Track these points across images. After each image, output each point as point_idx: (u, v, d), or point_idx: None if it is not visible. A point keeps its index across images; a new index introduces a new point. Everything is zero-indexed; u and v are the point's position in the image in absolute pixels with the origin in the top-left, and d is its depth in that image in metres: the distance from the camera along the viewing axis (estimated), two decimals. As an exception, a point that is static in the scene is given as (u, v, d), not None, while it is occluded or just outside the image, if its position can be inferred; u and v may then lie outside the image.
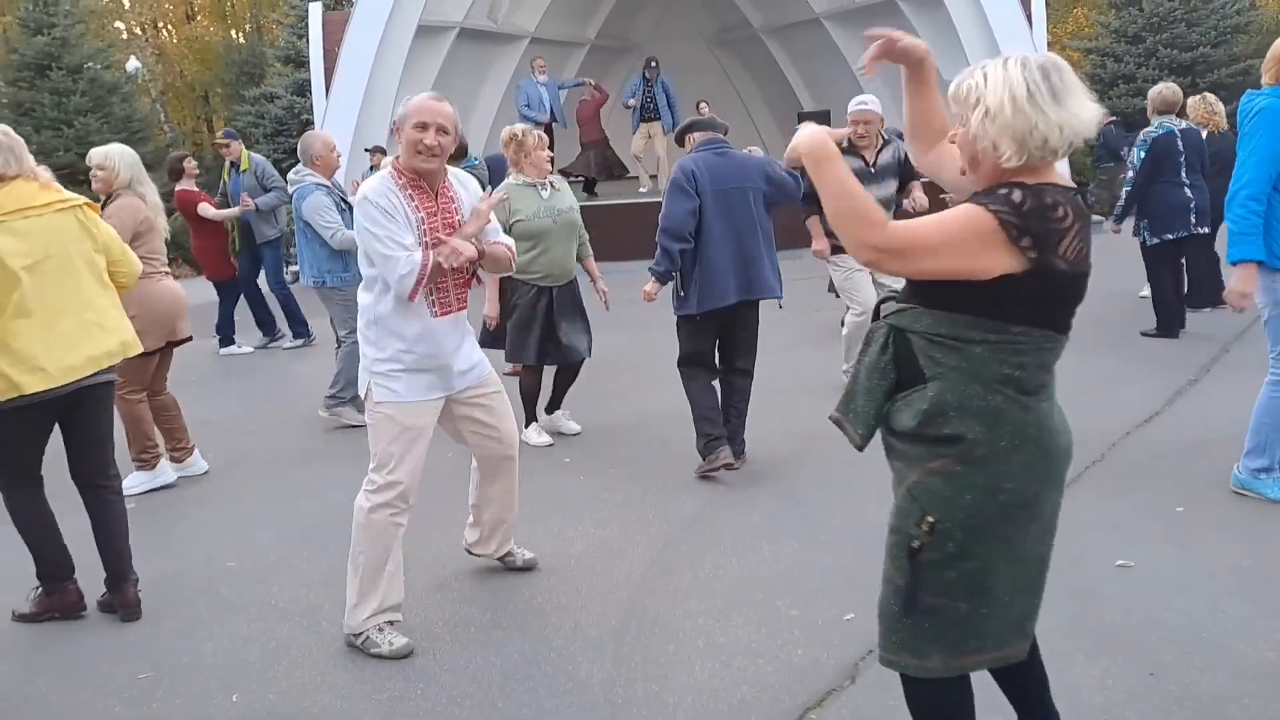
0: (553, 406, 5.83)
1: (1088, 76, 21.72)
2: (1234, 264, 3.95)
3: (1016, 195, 1.90)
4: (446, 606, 3.66)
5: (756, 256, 4.77)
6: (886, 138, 5.95)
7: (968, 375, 1.97)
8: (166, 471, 5.19)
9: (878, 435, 2.12)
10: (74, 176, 20.12)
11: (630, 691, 3.00)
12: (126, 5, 31.44)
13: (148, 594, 3.75)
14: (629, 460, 5.26)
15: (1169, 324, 7.17)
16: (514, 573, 3.89)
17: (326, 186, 6.03)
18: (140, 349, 3.74)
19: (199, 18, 33.05)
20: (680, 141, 4.99)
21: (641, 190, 13.90)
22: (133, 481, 5.03)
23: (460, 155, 6.66)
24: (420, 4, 14.33)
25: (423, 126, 3.17)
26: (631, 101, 13.57)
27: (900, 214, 5.63)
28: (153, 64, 27.71)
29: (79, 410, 3.57)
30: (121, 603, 3.65)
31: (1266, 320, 4.04)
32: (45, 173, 3.75)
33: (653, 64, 13.58)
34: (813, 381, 6.43)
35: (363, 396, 3.38)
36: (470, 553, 3.91)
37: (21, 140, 3.49)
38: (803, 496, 4.55)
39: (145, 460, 5.11)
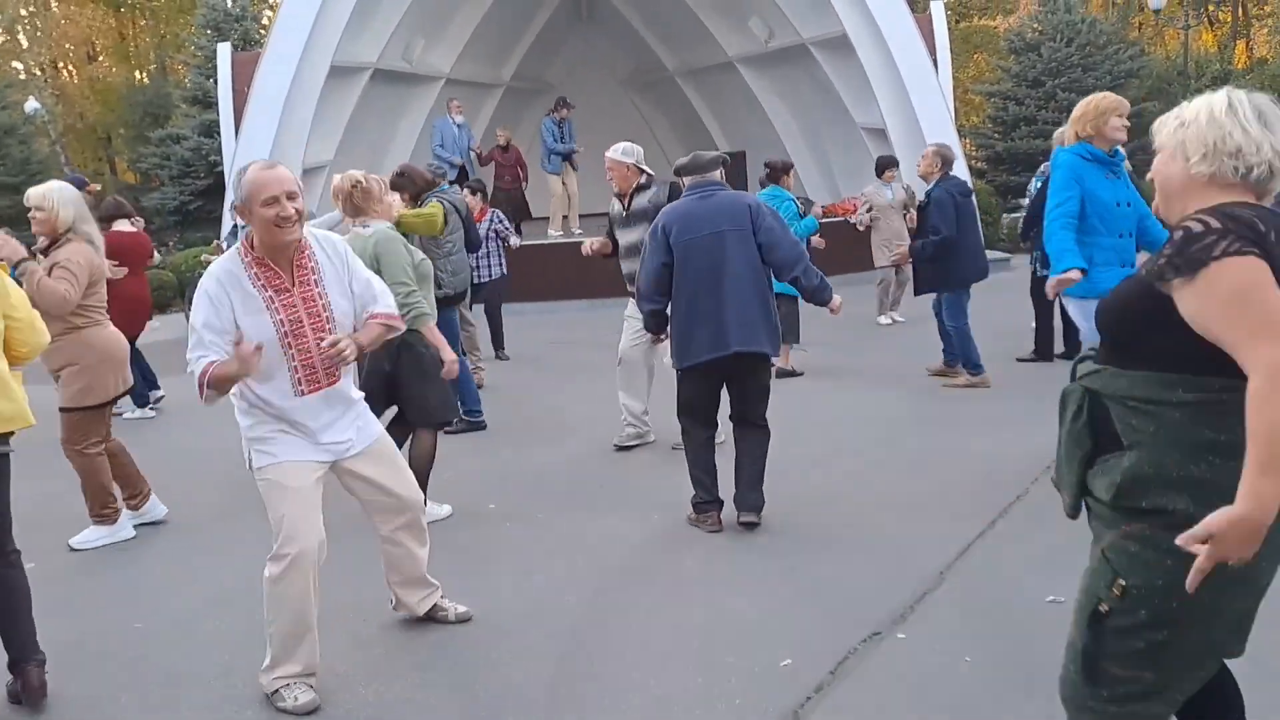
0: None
1: (990, 119, 22.58)
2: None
3: (1213, 221, 1.78)
4: (370, 663, 3.47)
5: (740, 306, 4.40)
6: (644, 183, 5.87)
7: (1167, 442, 1.83)
8: (126, 527, 4.89)
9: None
10: (-33, 220, 19.37)
11: (567, 751, 2.87)
12: (24, 45, 30.42)
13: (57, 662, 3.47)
14: (557, 505, 5.13)
15: (1046, 351, 7.78)
16: (442, 626, 3.72)
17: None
18: (30, 423, 3.35)
19: (100, 58, 32.16)
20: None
21: (552, 233, 13.90)
22: (89, 536, 4.77)
23: (429, 187, 6.39)
24: (333, 44, 14.15)
25: (273, 200, 2.98)
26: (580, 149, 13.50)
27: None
28: (52, 105, 26.78)
29: None
30: (25, 688, 3.27)
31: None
32: None
33: (566, 103, 13.61)
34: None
35: (247, 467, 3.22)
36: (396, 610, 3.74)
37: None
38: (738, 542, 4.47)
39: (105, 515, 4.81)
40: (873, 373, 7.92)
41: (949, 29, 16.74)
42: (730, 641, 3.49)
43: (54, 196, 4.63)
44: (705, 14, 17.36)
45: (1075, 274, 4.52)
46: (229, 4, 20.73)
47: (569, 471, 5.74)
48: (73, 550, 4.74)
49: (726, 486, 4.62)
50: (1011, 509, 4.62)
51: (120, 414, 8.34)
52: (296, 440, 3.16)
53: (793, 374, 7.73)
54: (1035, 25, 22.03)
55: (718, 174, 4.69)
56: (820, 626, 3.56)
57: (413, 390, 4.71)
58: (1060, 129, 7.59)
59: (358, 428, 3.31)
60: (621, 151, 5.89)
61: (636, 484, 5.42)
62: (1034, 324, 8.03)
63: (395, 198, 5.13)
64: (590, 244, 6.30)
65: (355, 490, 3.38)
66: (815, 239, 8.32)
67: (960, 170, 14.26)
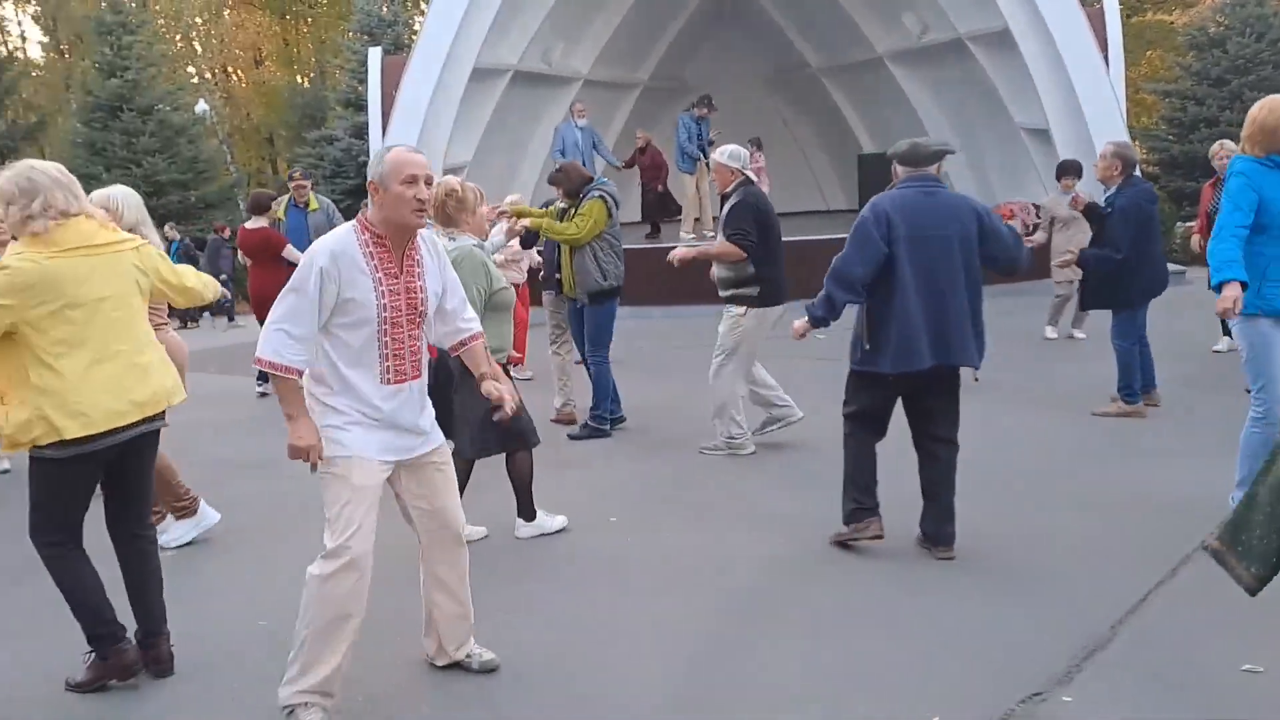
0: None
1: (1164, 120, 21.08)
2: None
3: None
4: (454, 685, 3.22)
5: (957, 316, 4.10)
6: (732, 189, 5.84)
7: None
8: (210, 513, 4.88)
9: None
10: (136, 216, 20.57)
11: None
12: (199, 50, 32.28)
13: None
14: (679, 520, 4.80)
15: None
16: (538, 644, 3.45)
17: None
18: (184, 397, 3.52)
19: (266, 63, 33.83)
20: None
21: (684, 234, 13.46)
22: (179, 532, 4.76)
23: (585, 183, 6.38)
24: (476, 48, 14.33)
25: (413, 180, 2.94)
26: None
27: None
28: (221, 107, 28.32)
29: (126, 460, 3.33)
30: (154, 659, 3.40)
31: (1245, 362, 4.31)
32: (99, 213, 3.52)
33: (709, 102, 13.20)
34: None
35: None
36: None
37: (76, 179, 3.31)
38: (872, 572, 4.05)
39: (183, 507, 4.81)
40: (1038, 394, 7.25)
41: (1122, 23, 15.62)
42: (865, 689, 3.09)
43: (119, 198, 4.68)
44: (855, 9, 16.76)
45: (1235, 288, 4.03)
46: (382, 9, 21.35)
47: (685, 481, 5.42)
48: (164, 550, 4.66)
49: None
50: (1195, 557, 4.00)
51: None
52: (370, 434, 3.00)
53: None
54: (1220, 19, 20.43)
55: (935, 169, 4.25)
56: (971, 680, 3.12)
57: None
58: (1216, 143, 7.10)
59: (428, 426, 3.17)
60: (729, 155, 5.84)
61: (770, 505, 5.03)
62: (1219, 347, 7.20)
63: (486, 209, 4.89)
64: (682, 253, 6.11)
65: (410, 499, 3.17)
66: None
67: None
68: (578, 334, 6.80)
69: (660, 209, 13.96)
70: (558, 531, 4.69)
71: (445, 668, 3.36)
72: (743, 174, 5.84)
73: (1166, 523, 4.37)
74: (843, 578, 4.00)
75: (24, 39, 34.16)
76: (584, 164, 12.74)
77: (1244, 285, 4.06)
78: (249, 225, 8.56)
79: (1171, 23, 28.72)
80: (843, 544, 4.29)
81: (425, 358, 3.16)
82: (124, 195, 4.73)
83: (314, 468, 2.96)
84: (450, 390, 4.48)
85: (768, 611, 3.73)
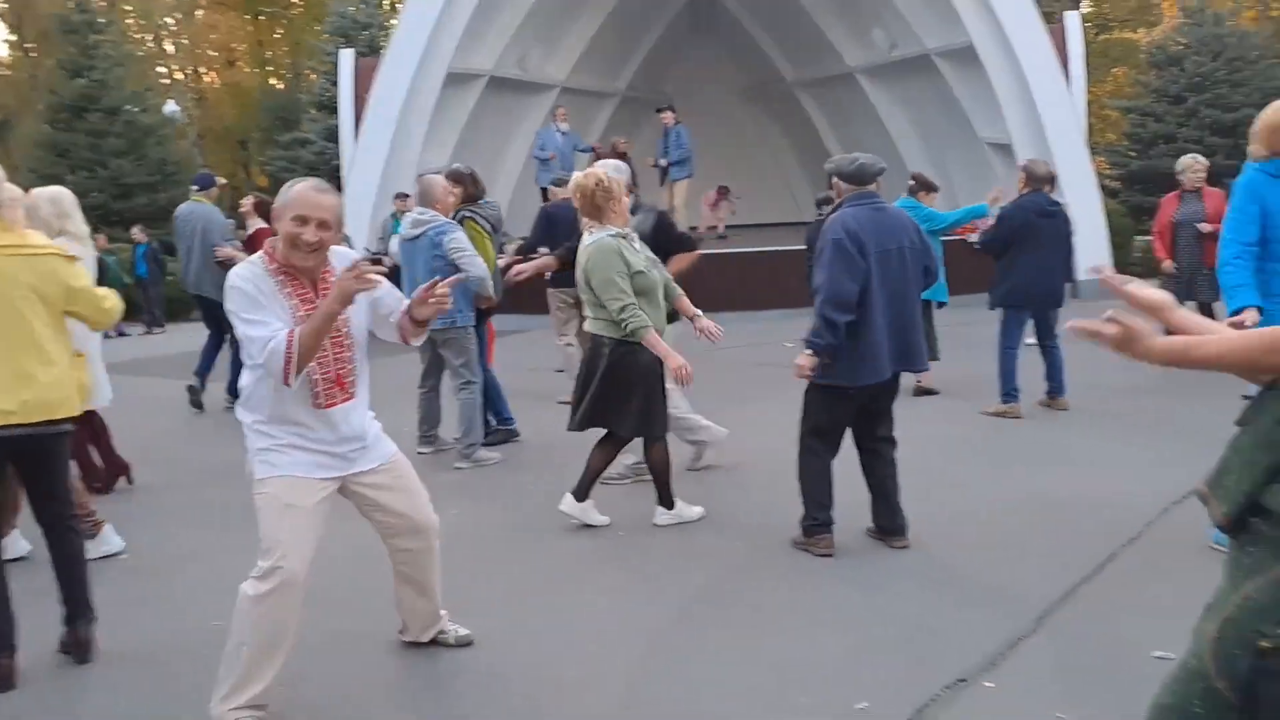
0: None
1: (1127, 136, 21.53)
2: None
3: None
4: (407, 686, 3.38)
5: (913, 323, 4.39)
6: (632, 208, 5.41)
7: None
8: (114, 540, 4.76)
9: None
10: (106, 218, 20.44)
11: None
12: (170, 50, 32.12)
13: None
14: (639, 522, 4.98)
15: None
16: (499, 646, 3.61)
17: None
18: (75, 411, 3.54)
19: (239, 64, 33.71)
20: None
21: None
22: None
23: (473, 199, 6.54)
24: (450, 52, 14.39)
25: (302, 220, 2.92)
26: (662, 162, 13.43)
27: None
28: (191, 108, 28.20)
29: (26, 460, 3.46)
30: (74, 644, 3.54)
31: None
32: (16, 214, 3.56)
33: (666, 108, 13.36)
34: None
35: (251, 479, 3.11)
36: (402, 635, 3.60)
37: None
38: (827, 574, 4.24)
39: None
40: (980, 397, 7.51)
41: (1089, 41, 16.00)
42: (805, 679, 3.27)
43: (38, 198, 4.62)
44: (827, 24, 17.05)
45: (1252, 315, 4.00)
46: (357, 11, 21.39)
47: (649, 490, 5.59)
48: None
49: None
50: (1121, 554, 4.24)
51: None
52: (302, 456, 3.03)
53: (930, 392, 7.48)
54: (1179, 38, 20.93)
55: (875, 186, 4.46)
56: (901, 669, 3.31)
57: (629, 403, 4.64)
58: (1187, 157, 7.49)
59: (370, 445, 3.20)
60: (613, 169, 5.55)
61: (727, 506, 5.22)
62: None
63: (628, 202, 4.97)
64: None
65: (367, 512, 3.27)
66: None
67: (1086, 189, 13.62)
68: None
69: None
70: (697, 519, 4.93)
71: (410, 647, 3.54)
72: (634, 190, 5.56)
73: (1095, 522, 4.60)
74: (797, 578, 4.19)
75: (-8, 36, 33.83)
76: (565, 167, 12.97)
77: (1260, 310, 4.00)
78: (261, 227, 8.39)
79: (1137, 40, 29.32)
80: (796, 545, 4.49)
81: (362, 377, 3.16)
82: (49, 196, 4.71)
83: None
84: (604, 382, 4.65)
85: (720, 609, 3.91)
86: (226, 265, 7.90)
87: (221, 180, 9.29)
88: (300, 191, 2.96)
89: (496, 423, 6.70)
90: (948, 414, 6.99)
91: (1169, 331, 1.98)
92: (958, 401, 7.32)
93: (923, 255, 4.42)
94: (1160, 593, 3.74)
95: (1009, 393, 6.86)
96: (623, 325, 4.47)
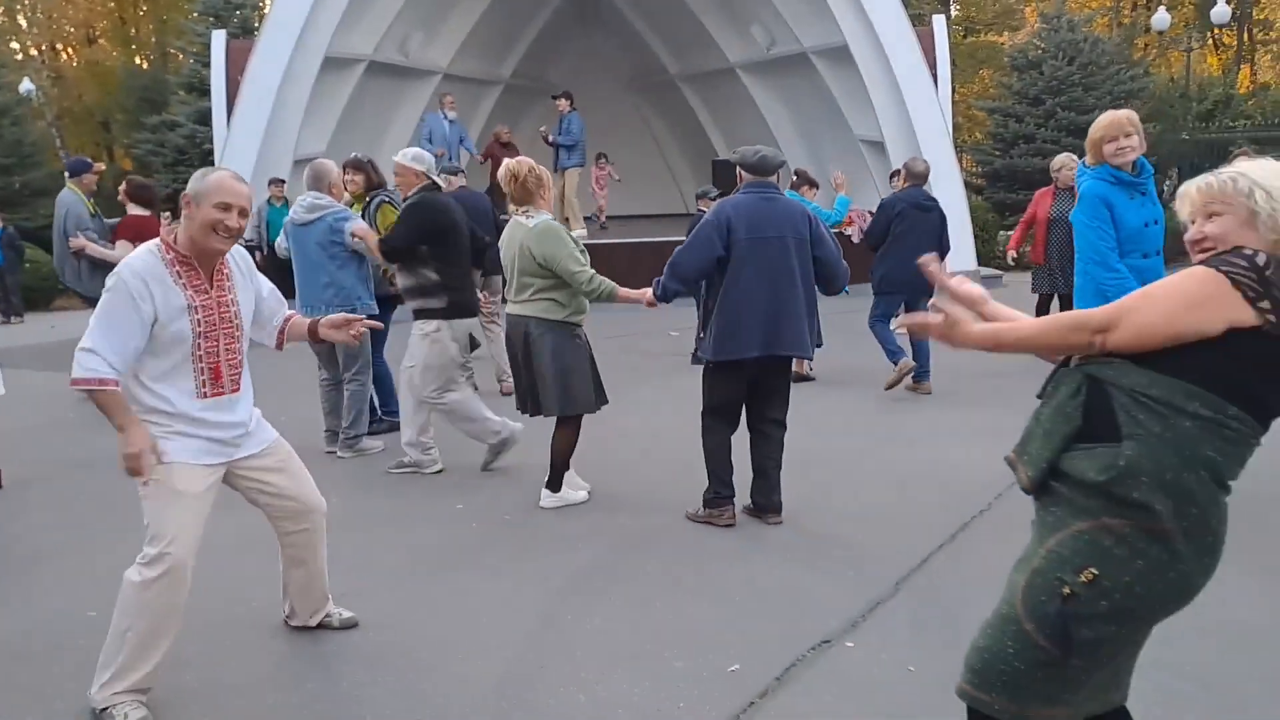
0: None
1: (990, 135, 22.60)
2: None
3: (1261, 258, 1.91)
4: (301, 667, 3.43)
5: (790, 311, 4.54)
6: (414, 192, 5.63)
7: (1169, 446, 1.92)
8: None
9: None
10: (-44, 199, 19.28)
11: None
12: (23, 25, 30.35)
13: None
14: (527, 507, 5.09)
15: None
16: (391, 627, 3.68)
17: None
18: None
19: (100, 41, 32.09)
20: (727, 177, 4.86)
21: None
22: None
23: (372, 187, 6.48)
24: (328, 35, 14.13)
25: (226, 207, 2.99)
26: (551, 137, 13.48)
27: None
28: (49, 87, 26.73)
29: None
30: None
31: None
32: None
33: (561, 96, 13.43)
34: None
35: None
36: (289, 621, 3.65)
37: None
38: (703, 549, 4.44)
39: None
40: (860, 383, 7.88)
41: (956, 44, 16.76)
42: (682, 646, 3.45)
43: None
44: (709, 19, 17.37)
45: None
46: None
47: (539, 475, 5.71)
48: None
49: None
50: (975, 522, 4.59)
51: None
52: (189, 442, 3.05)
53: (807, 379, 7.80)
54: (1038, 43, 22.07)
55: (775, 178, 4.71)
56: (773, 634, 3.53)
57: (554, 379, 4.84)
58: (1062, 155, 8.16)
59: (252, 431, 3.24)
60: (411, 158, 5.66)
61: (611, 486, 5.37)
62: None
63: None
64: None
65: (254, 497, 3.32)
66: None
67: (952, 186, 14.29)
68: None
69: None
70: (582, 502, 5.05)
71: (297, 630, 3.58)
72: (427, 178, 5.67)
73: (952, 495, 4.95)
74: (674, 555, 4.37)
75: None
76: (450, 157, 12.88)
77: None
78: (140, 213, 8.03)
79: (1002, 44, 30.72)
80: (692, 519, 4.71)
81: (245, 372, 3.20)
82: None
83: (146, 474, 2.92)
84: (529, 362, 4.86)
85: (604, 585, 4.06)
86: (80, 256, 7.67)
87: (100, 166, 8.88)
88: (222, 179, 3.04)
89: (381, 413, 6.69)
90: (823, 397, 7.31)
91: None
92: (833, 387, 7.68)
93: (814, 246, 4.62)
94: (1005, 556, 3.97)
95: (892, 353, 7.33)
96: (593, 293, 4.73)
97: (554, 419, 4.98)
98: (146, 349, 2.97)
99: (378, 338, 6.45)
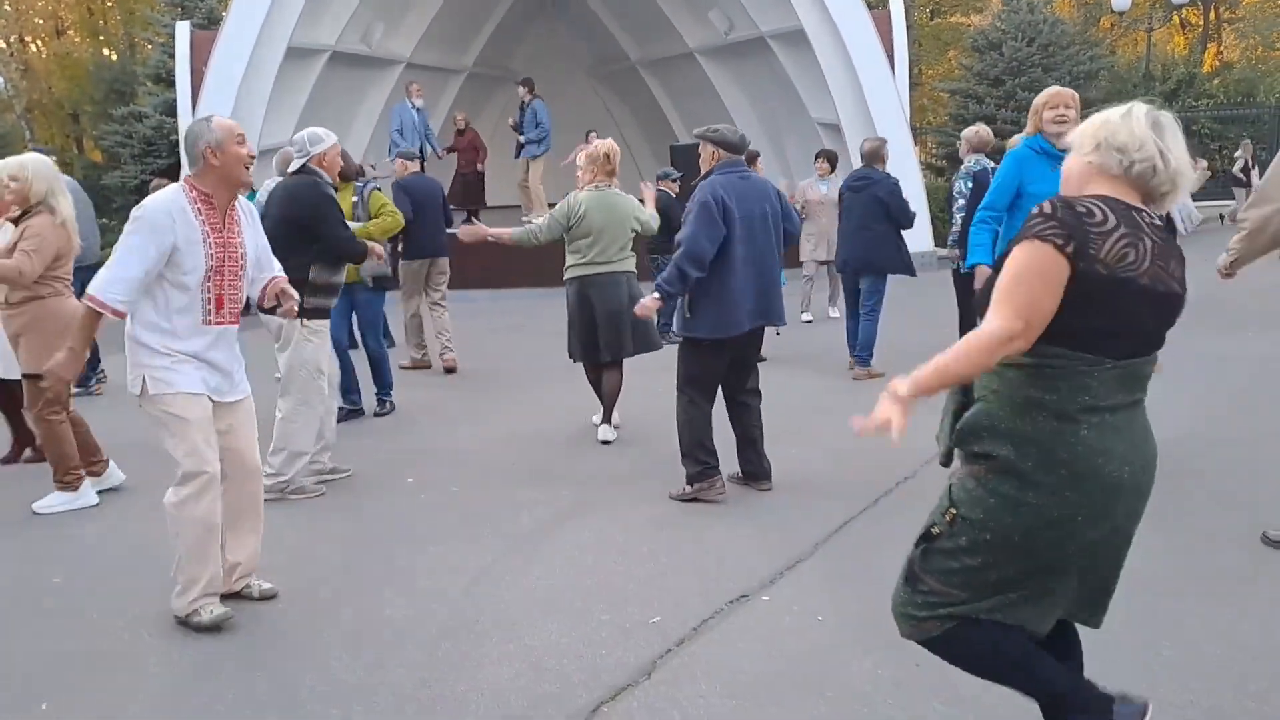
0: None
1: (951, 116, 22.87)
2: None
3: (1047, 207, 2.09)
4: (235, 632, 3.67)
5: (774, 283, 4.82)
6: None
7: (1002, 398, 2.18)
8: (89, 494, 5.01)
9: None
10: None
11: (438, 690, 3.10)
12: (-10, 18, 30.06)
13: None
14: (473, 481, 5.34)
15: None
16: (328, 584, 3.92)
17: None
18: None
19: (69, 33, 31.85)
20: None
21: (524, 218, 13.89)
22: (52, 501, 4.91)
23: (353, 176, 6.63)
24: (290, 25, 14.22)
25: (241, 140, 3.52)
26: (522, 134, 13.55)
27: None
28: (18, 79, 26.56)
29: None
30: None
31: None
32: None
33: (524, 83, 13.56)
34: (648, 401, 6.61)
35: (135, 393, 3.48)
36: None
37: None
38: (635, 515, 4.70)
39: (68, 482, 4.95)
40: (807, 362, 8.17)
41: (923, 25, 16.95)
42: (609, 601, 3.72)
43: (30, 167, 4.83)
44: (668, 5, 17.55)
45: (983, 270, 4.79)
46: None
47: (491, 452, 5.96)
48: (35, 514, 4.88)
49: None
50: (896, 490, 4.87)
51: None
52: (191, 371, 3.45)
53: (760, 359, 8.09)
54: (999, 24, 22.33)
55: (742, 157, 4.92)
56: (695, 589, 3.80)
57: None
58: (972, 127, 8.21)
59: (240, 375, 3.66)
60: (310, 137, 5.43)
61: (554, 464, 5.63)
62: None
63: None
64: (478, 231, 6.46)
65: (219, 433, 3.58)
66: None
67: (906, 169, 14.50)
68: (345, 323, 6.78)
69: (477, 194, 14.27)
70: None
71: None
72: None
73: (879, 464, 5.21)
74: (607, 520, 4.64)
75: None
76: (420, 143, 13.02)
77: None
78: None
79: (967, 25, 30.95)
80: (681, 499, 4.80)
81: (240, 307, 3.62)
82: (35, 164, 4.85)
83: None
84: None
85: (539, 550, 4.32)
86: None
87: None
88: (222, 121, 3.51)
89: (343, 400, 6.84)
90: (772, 374, 7.55)
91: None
92: (781, 365, 7.95)
93: (785, 220, 4.89)
94: (919, 520, 4.32)
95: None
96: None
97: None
98: (171, 281, 3.39)
99: (371, 320, 6.85)
